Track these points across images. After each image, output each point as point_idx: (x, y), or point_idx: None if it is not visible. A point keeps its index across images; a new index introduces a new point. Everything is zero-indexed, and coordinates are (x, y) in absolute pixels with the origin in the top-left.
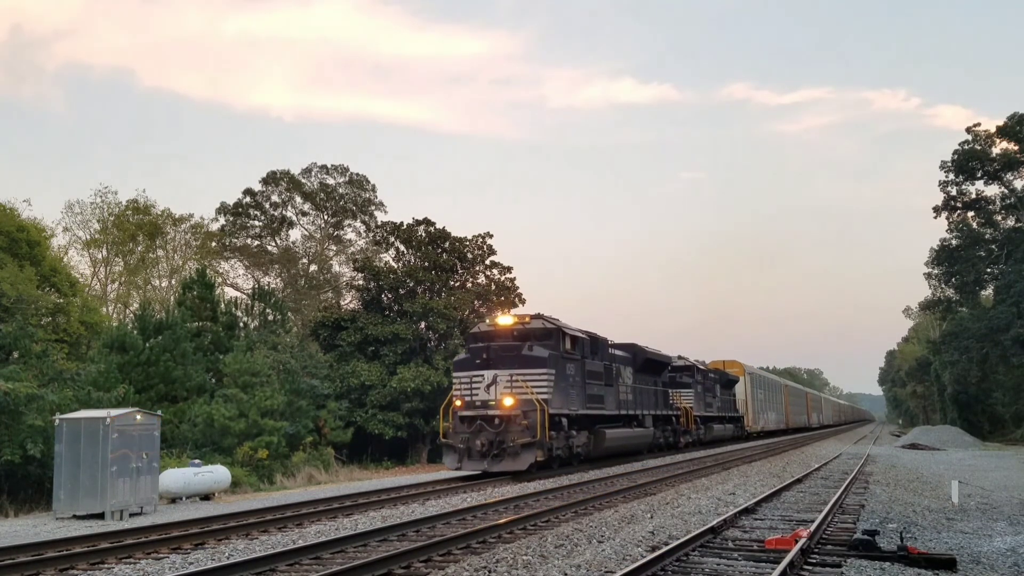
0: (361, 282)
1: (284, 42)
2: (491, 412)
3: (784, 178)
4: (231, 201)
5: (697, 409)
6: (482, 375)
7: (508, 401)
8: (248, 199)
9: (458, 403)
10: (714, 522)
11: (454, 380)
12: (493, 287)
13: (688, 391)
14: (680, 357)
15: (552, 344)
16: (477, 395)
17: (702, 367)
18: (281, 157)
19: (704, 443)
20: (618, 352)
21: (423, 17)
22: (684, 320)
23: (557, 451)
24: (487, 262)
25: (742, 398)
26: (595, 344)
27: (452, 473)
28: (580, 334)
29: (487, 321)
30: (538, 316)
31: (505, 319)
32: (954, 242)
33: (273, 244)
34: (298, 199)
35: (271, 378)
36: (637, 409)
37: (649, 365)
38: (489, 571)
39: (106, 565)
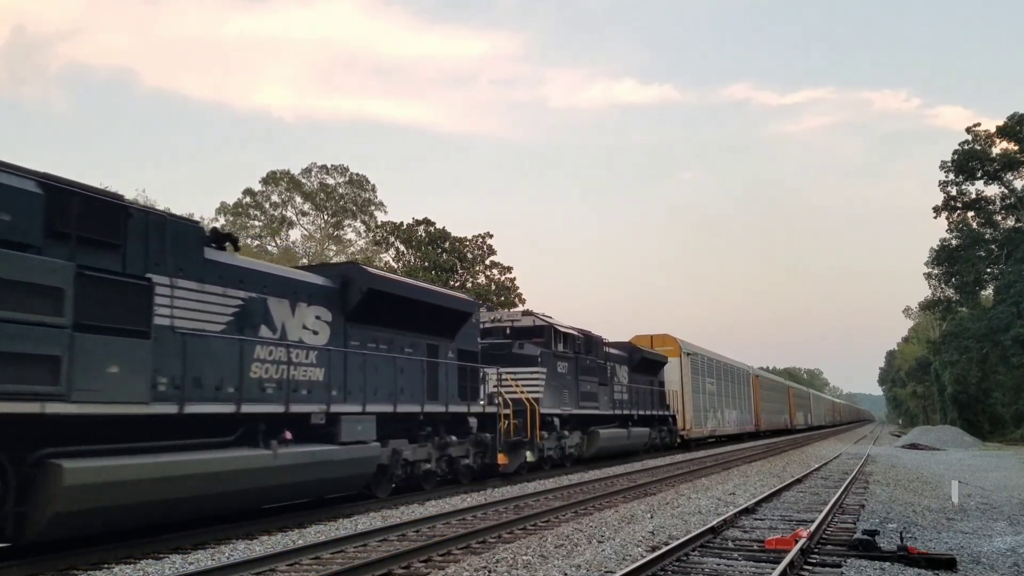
0: None
1: (286, 43)
2: None
3: (785, 178)
4: (231, 201)
5: (553, 402)
6: None
7: None
8: (248, 199)
9: None
10: (714, 522)
11: None
12: (493, 287)
13: (534, 372)
14: (527, 312)
15: None
16: None
17: (575, 332)
18: (282, 158)
19: (580, 460)
20: (280, 274)
21: (425, 18)
22: (683, 320)
23: None
24: (487, 262)
25: (675, 388)
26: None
27: None
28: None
29: None
30: None
31: None
32: (954, 242)
33: (273, 244)
34: (298, 199)
35: None
36: (325, 402)
37: (403, 311)
38: (489, 571)
39: (106, 565)
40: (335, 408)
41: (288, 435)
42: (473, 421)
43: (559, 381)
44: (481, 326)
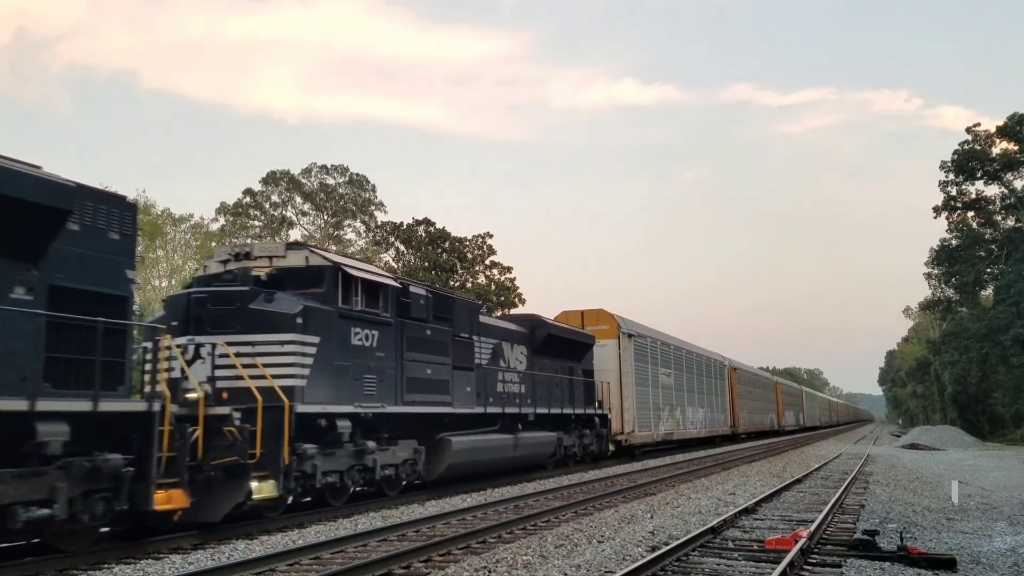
0: None
1: (288, 44)
2: None
3: (786, 179)
4: (231, 201)
5: (333, 393)
6: None
7: None
8: (248, 199)
9: None
10: (714, 522)
11: None
12: (493, 287)
13: (286, 342)
14: (296, 244)
15: None
16: None
17: (399, 285)
18: (283, 158)
19: (418, 485)
20: None
21: (426, 18)
22: (682, 320)
23: None
24: (487, 262)
25: (611, 379)
26: None
27: None
28: None
29: None
30: None
31: None
32: (954, 242)
33: None
34: (298, 199)
35: None
36: None
37: None
38: (489, 571)
39: (106, 565)
40: None
41: None
42: (57, 433)
43: (354, 360)
44: (223, 266)
